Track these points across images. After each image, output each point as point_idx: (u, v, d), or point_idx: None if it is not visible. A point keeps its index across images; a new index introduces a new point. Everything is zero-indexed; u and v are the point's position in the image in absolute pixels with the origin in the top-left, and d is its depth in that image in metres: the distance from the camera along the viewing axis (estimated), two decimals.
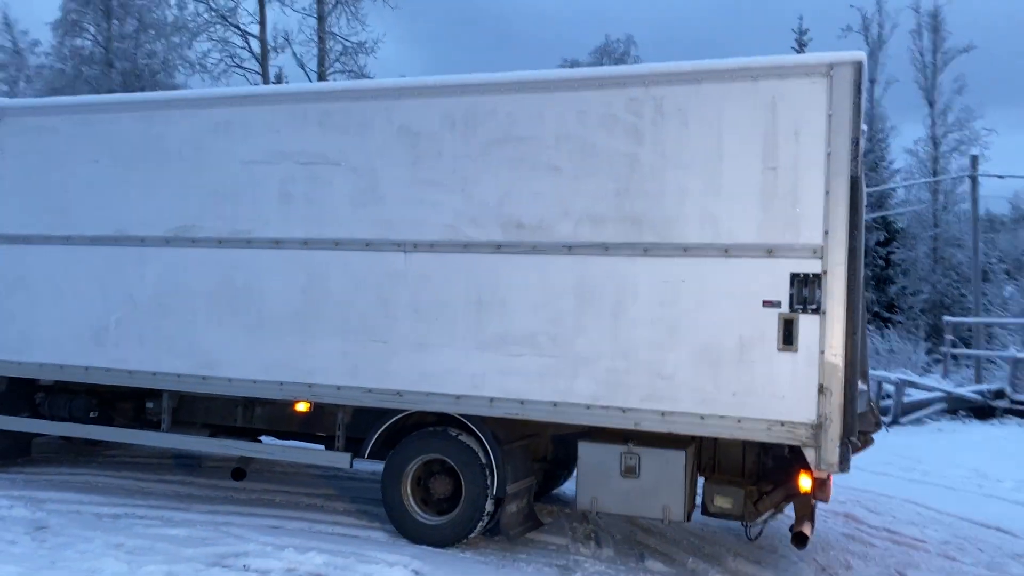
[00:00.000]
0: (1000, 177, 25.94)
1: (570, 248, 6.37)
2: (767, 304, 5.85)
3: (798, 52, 41.84)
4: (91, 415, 8.44)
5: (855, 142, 5.72)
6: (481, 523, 6.74)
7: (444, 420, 6.94)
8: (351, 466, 7.14)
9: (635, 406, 6.13)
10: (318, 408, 7.36)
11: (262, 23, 32.82)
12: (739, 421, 5.89)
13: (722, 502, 6.42)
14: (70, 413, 8.44)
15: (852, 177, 5.72)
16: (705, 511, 6.51)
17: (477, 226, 6.64)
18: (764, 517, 6.50)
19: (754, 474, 6.59)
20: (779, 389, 5.80)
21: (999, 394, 17.86)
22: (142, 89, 38.70)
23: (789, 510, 6.62)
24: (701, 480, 6.71)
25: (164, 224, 7.64)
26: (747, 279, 5.91)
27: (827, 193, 5.75)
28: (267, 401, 7.83)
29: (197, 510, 7.62)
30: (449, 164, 6.74)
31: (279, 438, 8.18)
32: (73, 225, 7.97)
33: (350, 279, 7.00)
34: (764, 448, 6.53)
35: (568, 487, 8.14)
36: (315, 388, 7.07)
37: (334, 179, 7.09)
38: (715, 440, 6.57)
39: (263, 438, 8.34)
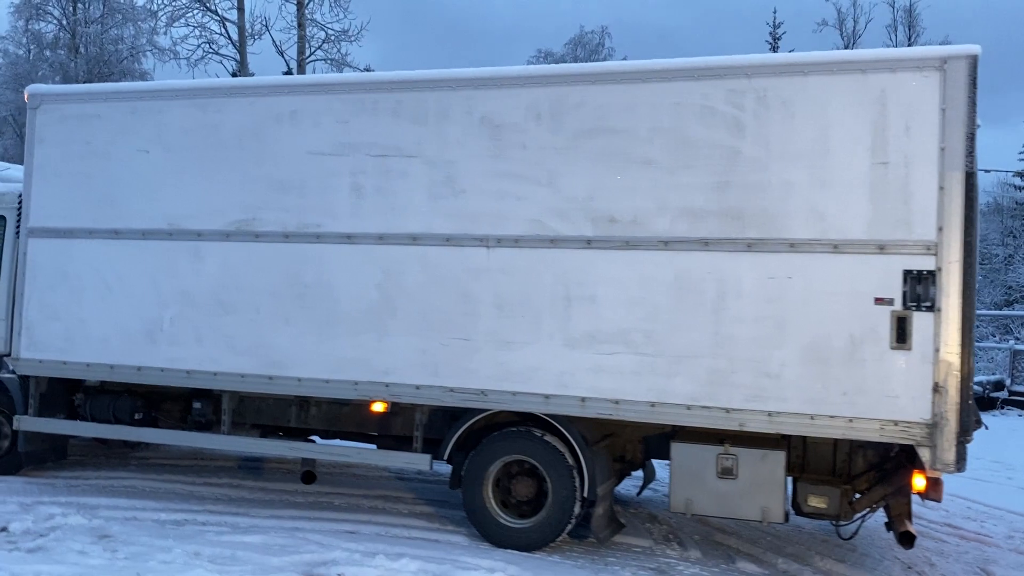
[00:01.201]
0: (985, 171, 26.20)
1: (667, 243, 6.20)
2: (879, 302, 5.74)
3: (772, 46, 42.23)
4: (135, 416, 8.11)
5: (970, 137, 5.62)
6: (568, 526, 6.58)
7: (526, 420, 6.75)
8: (431, 468, 6.91)
9: (740, 406, 5.99)
10: (386, 408, 7.10)
11: (240, 8, 32.08)
12: (850, 421, 5.78)
13: (817, 502, 6.32)
14: (114, 415, 8.09)
15: (967, 172, 5.63)
16: (798, 511, 6.41)
17: (565, 220, 6.45)
18: (860, 516, 6.41)
19: (845, 473, 6.49)
20: (892, 388, 5.69)
21: (998, 385, 18.13)
22: (109, 76, 37.83)
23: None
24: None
25: (223, 217, 7.32)
26: (857, 276, 5.79)
27: (941, 188, 5.65)
28: (324, 400, 7.58)
29: (258, 515, 7.35)
30: (534, 157, 6.53)
31: (329, 438, 7.94)
32: (122, 218, 7.62)
33: (428, 275, 6.76)
34: (855, 447, 6.43)
35: (625, 487, 8.00)
36: (393, 387, 6.83)
37: (409, 171, 6.84)
38: (803, 439, 6.46)
39: (314, 438, 8.10)
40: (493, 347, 6.57)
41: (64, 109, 7.87)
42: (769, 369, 5.94)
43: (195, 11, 31.85)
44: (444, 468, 7.20)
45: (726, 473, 6.26)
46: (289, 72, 28.47)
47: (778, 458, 6.17)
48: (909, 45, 41.08)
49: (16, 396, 8.08)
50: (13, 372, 8.14)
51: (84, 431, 8.05)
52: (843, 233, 5.83)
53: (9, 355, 8.21)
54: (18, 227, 8.26)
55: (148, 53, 37.77)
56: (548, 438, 6.64)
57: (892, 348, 5.71)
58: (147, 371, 7.51)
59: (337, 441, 7.68)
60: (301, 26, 31.85)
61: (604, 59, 36.21)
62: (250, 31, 31.79)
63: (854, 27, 42.02)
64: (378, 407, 7.11)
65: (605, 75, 6.43)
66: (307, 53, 32.13)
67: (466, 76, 6.80)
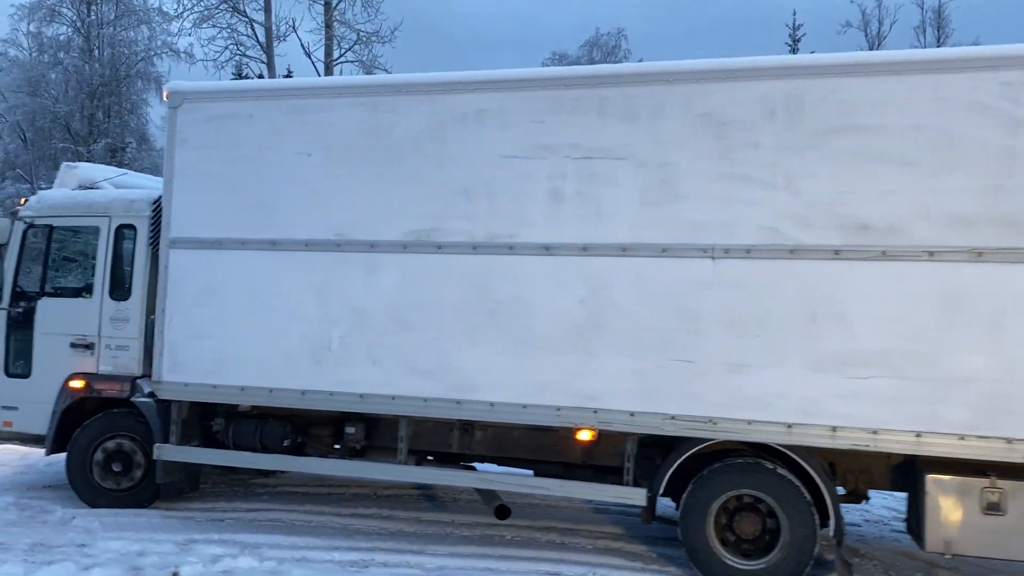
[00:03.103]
0: None
1: (932, 253, 5.56)
2: None
3: (792, 48, 41.64)
4: (284, 443, 7.44)
5: None
6: (807, 568, 5.92)
7: (755, 449, 6.10)
8: (646, 503, 6.24)
9: None
10: (593, 436, 6.44)
11: (267, 9, 31.38)
12: None
13: None
14: (261, 442, 7.41)
15: None
16: None
17: (807, 228, 5.80)
18: None
19: None
20: None
21: None
22: (125, 79, 37.15)
23: None
24: None
25: (400, 227, 6.66)
26: None
27: None
28: (490, 424, 6.93)
29: (437, 551, 6.68)
30: (768, 157, 5.89)
31: (498, 464, 7.31)
32: (280, 228, 6.94)
33: (642, 289, 6.11)
34: None
35: None
36: (602, 414, 6.16)
37: (617, 175, 6.19)
38: None
39: (477, 465, 7.45)
40: (722, 370, 5.92)
41: (209, 108, 7.20)
42: None
43: (223, 12, 31.20)
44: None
45: (992, 509, 5.61)
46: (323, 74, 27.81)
47: None
48: (938, 47, 40.71)
49: (153, 422, 7.38)
50: (149, 396, 7.44)
51: (239, 461, 7.35)
52: None
53: (142, 377, 7.54)
54: (152, 237, 7.58)
55: (164, 55, 37.23)
56: (781, 470, 5.98)
57: None
58: (312, 395, 6.83)
59: (491, 467, 7.03)
60: (329, 27, 31.20)
61: (620, 61, 35.51)
62: (276, 32, 31.14)
63: (879, 28, 41.53)
64: (584, 435, 6.44)
65: (851, 67, 5.79)
66: (337, 55, 31.53)
67: (684, 69, 6.15)
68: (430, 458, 7.41)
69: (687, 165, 6.04)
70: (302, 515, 7.67)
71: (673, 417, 6.01)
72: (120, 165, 35.81)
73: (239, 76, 48.35)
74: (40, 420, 7.77)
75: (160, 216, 7.57)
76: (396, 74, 6.56)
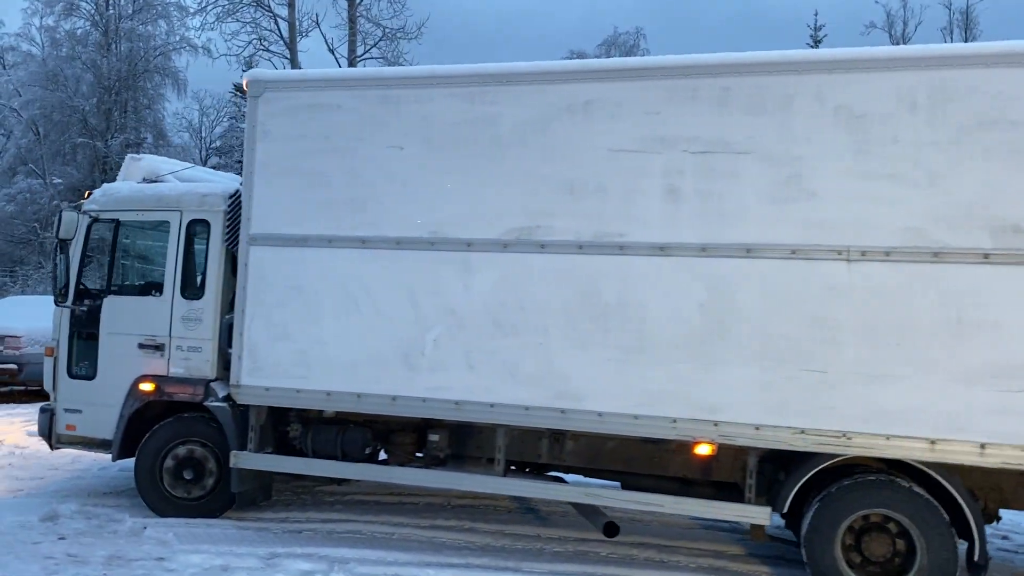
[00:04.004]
0: None
1: None
2: None
3: (813, 48, 41.20)
4: (366, 451, 7.07)
5: None
6: None
7: (883, 465, 5.70)
8: (770, 522, 5.85)
9: None
10: (713, 450, 6.04)
11: (291, 4, 31.07)
12: None
13: None
14: (341, 450, 7.03)
15: None
16: None
17: (953, 230, 5.40)
18: None
19: None
20: None
21: None
22: (143, 73, 36.90)
23: None
24: None
25: (499, 224, 6.27)
26: None
27: None
28: (582, 434, 6.54)
29: (539, 571, 6.28)
30: (909, 153, 5.49)
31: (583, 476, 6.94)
32: (370, 224, 6.56)
33: (768, 293, 5.71)
34: None
35: None
36: (723, 427, 5.77)
37: (740, 170, 5.80)
38: None
39: (568, 476, 7.06)
40: (858, 381, 5.52)
41: (294, 98, 6.82)
42: None
43: (247, 6, 30.91)
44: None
45: None
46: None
47: None
48: None
49: (228, 428, 7.00)
50: (224, 400, 7.06)
51: (324, 471, 6.96)
52: None
53: (215, 380, 7.16)
54: (228, 233, 7.20)
55: (182, 51, 37.02)
56: (917, 489, 5.58)
57: None
58: (404, 401, 6.44)
59: (589, 480, 6.62)
60: (353, 22, 30.87)
61: None
62: (299, 27, 30.83)
63: (903, 29, 41.07)
64: (704, 449, 6.04)
65: (1006, 57, 5.38)
66: (362, 51, 31.21)
67: (816, 58, 5.78)
68: (512, 468, 7.03)
69: (818, 160, 5.65)
70: (381, 527, 7.27)
71: (803, 431, 5.61)
72: None
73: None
74: (105, 424, 7.40)
75: (236, 211, 7.20)
76: (498, 63, 6.13)
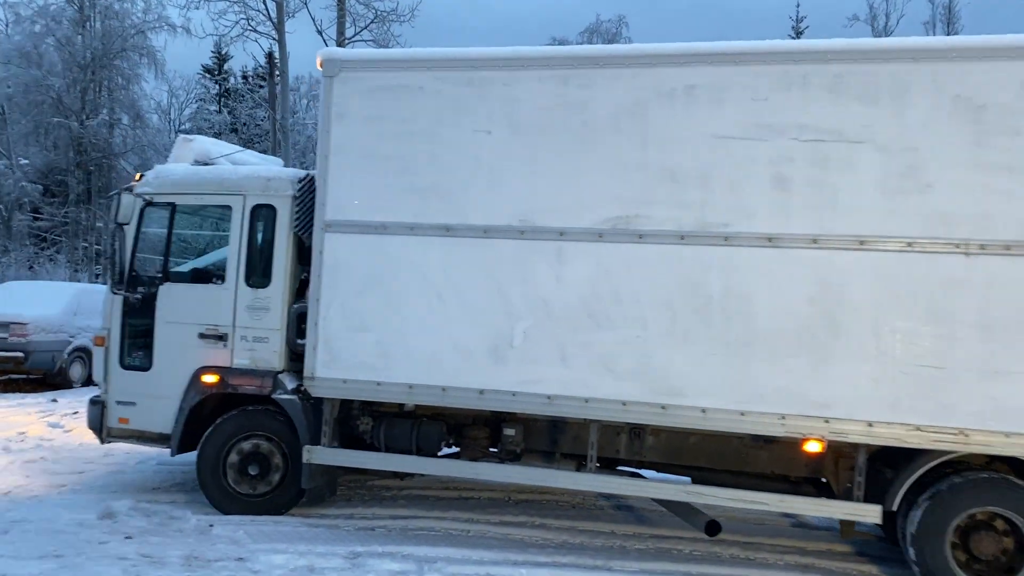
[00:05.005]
0: None
1: None
2: None
3: (795, 39, 41.29)
4: (441, 446, 6.85)
5: None
6: None
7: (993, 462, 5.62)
8: (880, 521, 5.73)
9: None
10: (823, 448, 5.90)
11: None
12: None
13: None
14: (417, 444, 6.80)
15: None
16: None
17: None
18: None
19: None
20: None
21: None
22: (120, 52, 36.02)
23: None
24: None
25: (594, 213, 6.06)
26: None
27: None
28: (663, 429, 6.40)
29: (630, 569, 6.12)
30: None
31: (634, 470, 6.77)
32: (455, 212, 6.31)
33: (882, 286, 5.57)
34: None
35: None
36: (834, 423, 5.63)
37: (853, 160, 5.64)
38: None
39: (644, 472, 6.90)
40: (977, 377, 5.40)
41: (372, 78, 6.53)
42: None
43: None
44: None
45: None
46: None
47: None
48: None
49: (299, 421, 6.73)
50: (293, 393, 6.79)
51: (407, 466, 6.71)
52: None
53: (283, 372, 6.88)
54: (298, 220, 6.90)
55: (160, 29, 36.18)
56: None
57: None
58: (492, 395, 6.22)
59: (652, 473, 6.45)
60: (341, 2, 30.30)
61: None
62: (287, 8, 30.21)
63: (886, 23, 41.28)
64: (813, 446, 5.90)
65: None
66: (351, 33, 30.66)
67: (934, 46, 5.62)
68: (583, 464, 6.84)
69: (936, 151, 5.51)
70: (451, 523, 7.05)
71: (918, 428, 5.49)
72: (112, 142, 34.67)
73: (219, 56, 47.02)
74: (161, 417, 7.09)
75: (305, 196, 6.91)
76: (592, 45, 5.87)
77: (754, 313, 5.76)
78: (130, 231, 7.18)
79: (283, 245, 6.92)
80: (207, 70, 49.85)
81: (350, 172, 6.51)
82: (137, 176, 7.42)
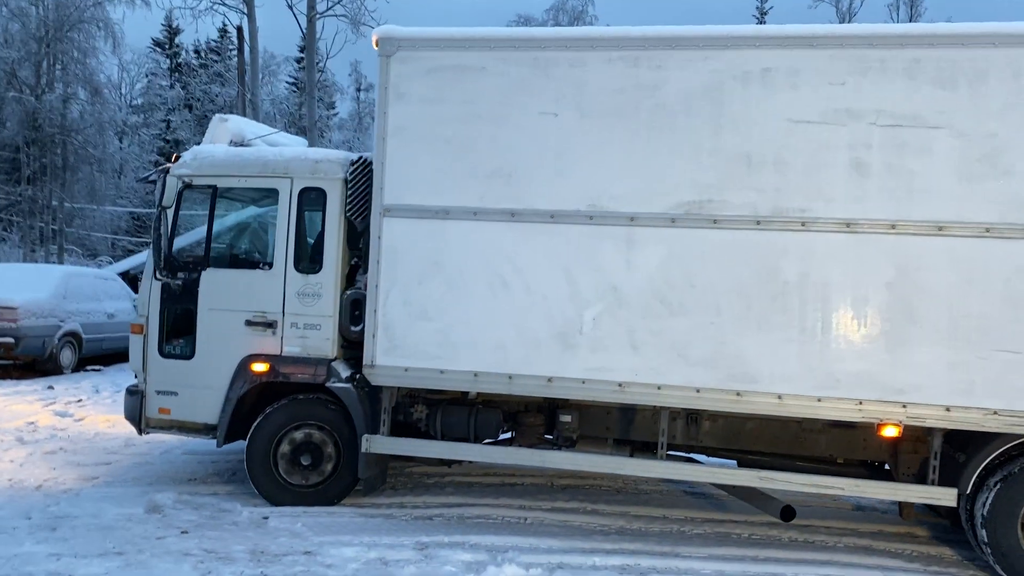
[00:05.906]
0: None
1: None
2: None
3: (759, 22, 41.44)
4: (499, 433, 6.77)
5: None
6: None
7: None
8: (958, 504, 5.79)
9: None
10: (900, 432, 5.93)
11: None
12: None
13: None
14: (474, 432, 6.71)
15: None
16: None
17: None
18: None
19: None
20: None
21: None
22: (78, 23, 34.94)
23: None
24: None
25: (666, 198, 5.99)
26: None
27: None
28: (720, 414, 6.42)
29: (697, 555, 6.12)
30: None
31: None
32: (521, 197, 6.19)
33: (960, 272, 5.60)
34: None
35: None
36: (911, 408, 5.65)
37: (932, 145, 5.64)
38: None
39: (699, 457, 6.91)
40: None
41: (432, 58, 6.35)
42: None
43: None
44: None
45: None
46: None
47: None
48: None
49: (355, 410, 6.58)
50: (347, 381, 6.64)
51: (471, 455, 6.63)
52: None
53: (336, 360, 6.72)
54: (349, 204, 6.72)
55: (118, 1, 35.13)
56: None
57: None
58: (560, 383, 6.14)
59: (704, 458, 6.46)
60: None
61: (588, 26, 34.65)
62: None
63: (850, 4, 41.67)
64: (891, 431, 5.92)
65: None
66: (323, 7, 30.00)
67: (1012, 31, 5.60)
68: (634, 450, 6.84)
69: (1016, 137, 5.52)
70: (506, 510, 6.99)
71: (995, 412, 5.54)
72: (70, 117, 33.60)
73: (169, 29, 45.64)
74: (206, 407, 6.89)
75: (357, 179, 6.73)
76: (664, 26, 5.80)
77: (830, 299, 5.75)
78: (169, 214, 6.92)
79: (334, 230, 6.73)
80: (157, 43, 48.45)
81: (409, 155, 6.34)
82: (174, 157, 7.15)
